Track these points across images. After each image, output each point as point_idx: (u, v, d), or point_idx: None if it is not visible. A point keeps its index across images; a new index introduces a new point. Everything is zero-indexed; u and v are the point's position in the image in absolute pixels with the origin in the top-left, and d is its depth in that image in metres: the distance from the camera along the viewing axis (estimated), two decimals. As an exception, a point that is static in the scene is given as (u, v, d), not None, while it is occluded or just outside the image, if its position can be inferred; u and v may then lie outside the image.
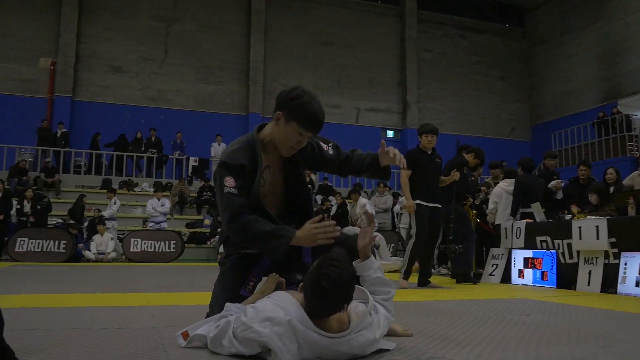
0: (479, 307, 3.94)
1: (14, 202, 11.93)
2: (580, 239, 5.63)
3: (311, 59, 19.44)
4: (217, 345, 2.07)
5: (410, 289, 5.59)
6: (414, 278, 6.01)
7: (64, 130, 15.99)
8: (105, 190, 13.86)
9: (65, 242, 11.24)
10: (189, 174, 16.62)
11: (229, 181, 2.26)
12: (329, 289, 1.87)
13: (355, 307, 2.09)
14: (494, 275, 6.75)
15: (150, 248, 11.77)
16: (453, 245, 6.43)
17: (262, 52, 18.61)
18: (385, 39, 20.44)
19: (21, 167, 14.36)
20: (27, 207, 11.88)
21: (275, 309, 1.97)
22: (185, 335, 2.23)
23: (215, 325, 2.11)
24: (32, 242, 11.03)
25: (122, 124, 16.86)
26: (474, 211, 7.82)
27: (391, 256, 9.65)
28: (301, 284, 1.98)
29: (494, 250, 7.00)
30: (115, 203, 12.65)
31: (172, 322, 2.93)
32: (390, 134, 20.32)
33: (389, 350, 2.21)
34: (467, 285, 6.17)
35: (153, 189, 14.69)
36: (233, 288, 2.42)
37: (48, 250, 11.07)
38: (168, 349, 2.21)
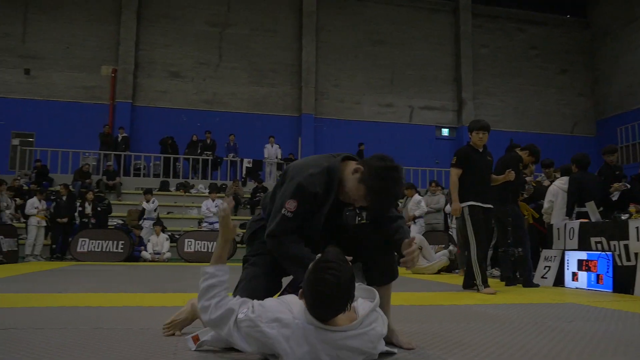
0: (519, 312, 3.76)
1: (76, 204, 12.50)
2: (638, 240, 5.28)
3: (363, 58, 19.32)
4: (217, 328, 2.04)
5: (492, 293, 5.26)
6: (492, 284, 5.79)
7: (125, 134, 16.64)
8: (162, 192, 14.29)
9: (122, 242, 11.68)
10: (243, 175, 16.90)
11: (291, 204, 2.26)
12: (328, 294, 1.82)
13: (361, 303, 2.04)
14: (546, 278, 6.44)
15: (204, 248, 12.04)
16: (512, 248, 6.12)
17: (313, 53, 18.68)
18: (439, 36, 20.04)
19: (85, 170, 15.07)
20: (88, 208, 12.42)
21: (284, 310, 1.93)
22: (196, 339, 2.23)
23: (215, 302, 2.03)
24: (92, 243, 11.56)
25: (179, 128, 17.38)
26: (531, 209, 7.44)
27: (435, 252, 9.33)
28: (301, 290, 1.93)
29: (547, 252, 6.68)
30: (153, 202, 13.04)
31: (195, 323, 2.93)
32: (445, 132, 19.91)
33: (394, 353, 2.13)
34: (516, 289, 5.90)
35: (208, 191, 15.07)
36: (265, 294, 2.38)
37: (107, 250, 11.55)
38: (179, 352, 2.21)
